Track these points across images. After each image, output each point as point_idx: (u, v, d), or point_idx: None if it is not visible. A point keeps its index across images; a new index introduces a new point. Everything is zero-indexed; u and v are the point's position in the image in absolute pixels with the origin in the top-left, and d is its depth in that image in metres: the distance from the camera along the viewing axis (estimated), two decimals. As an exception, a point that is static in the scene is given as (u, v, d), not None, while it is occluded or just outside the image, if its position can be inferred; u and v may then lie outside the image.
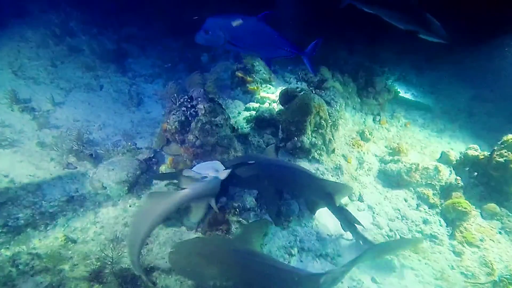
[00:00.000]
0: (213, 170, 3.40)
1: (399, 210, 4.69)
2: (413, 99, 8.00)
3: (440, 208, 4.75)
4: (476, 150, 5.34)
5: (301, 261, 3.55)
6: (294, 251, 3.59)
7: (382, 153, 5.92)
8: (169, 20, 7.52)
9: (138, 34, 7.30)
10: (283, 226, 3.75)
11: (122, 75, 6.19)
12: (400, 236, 4.25)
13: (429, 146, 6.34)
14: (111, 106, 5.31)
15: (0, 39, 5.68)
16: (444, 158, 5.50)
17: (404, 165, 5.11)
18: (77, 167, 3.99)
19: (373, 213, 4.57)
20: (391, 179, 5.15)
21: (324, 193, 3.68)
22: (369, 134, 6.13)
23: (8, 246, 2.93)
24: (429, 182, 4.98)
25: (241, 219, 3.51)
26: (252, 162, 3.62)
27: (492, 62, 7.89)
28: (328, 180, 4.45)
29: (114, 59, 6.37)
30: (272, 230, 3.66)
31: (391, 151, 5.89)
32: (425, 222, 4.52)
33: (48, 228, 3.23)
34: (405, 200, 4.89)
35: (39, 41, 5.88)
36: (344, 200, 4.65)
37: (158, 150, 4.25)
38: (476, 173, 5.03)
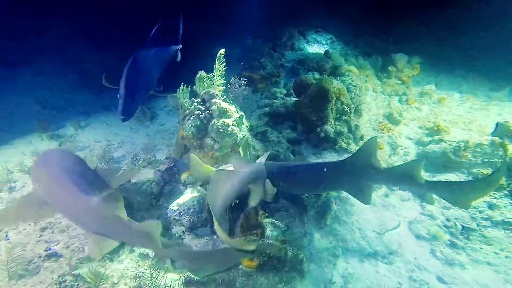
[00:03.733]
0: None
1: (452, 195, 4.24)
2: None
3: (508, 189, 4.04)
4: (546, 114, 4.49)
5: (347, 262, 3.31)
6: (338, 251, 3.34)
7: (417, 135, 5.50)
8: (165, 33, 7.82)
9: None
10: (319, 226, 3.56)
11: (132, 92, 6.48)
12: (462, 225, 3.73)
13: (475, 121, 5.69)
14: (127, 123, 5.53)
15: (25, 75, 6.24)
16: (500, 131, 4.74)
17: (449, 144, 4.61)
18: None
19: (421, 202, 4.15)
20: (436, 162, 4.65)
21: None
22: (398, 116, 5.77)
23: (52, 269, 3.06)
24: (486, 160, 4.37)
25: (274, 220, 3.38)
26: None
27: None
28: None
29: (122, 77, 6.71)
30: (308, 231, 3.48)
31: (427, 131, 5.49)
32: (492, 207, 3.93)
33: (85, 249, 3.33)
34: (458, 184, 4.42)
35: (58, 71, 6.37)
36: (383, 190, 4.36)
37: (177, 159, 4.29)
38: None
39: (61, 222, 3.56)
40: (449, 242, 3.59)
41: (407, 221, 3.88)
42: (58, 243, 3.27)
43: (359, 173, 3.09)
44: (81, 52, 7.10)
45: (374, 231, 3.61)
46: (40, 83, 6.22)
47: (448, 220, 3.84)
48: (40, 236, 3.36)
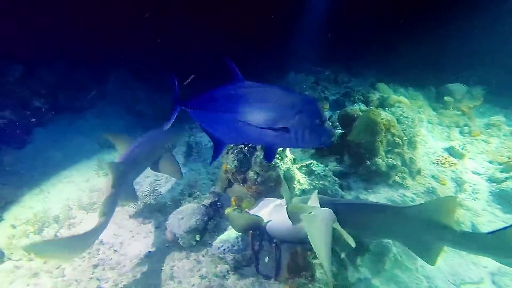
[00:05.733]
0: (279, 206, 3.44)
1: (545, 242, 3.72)
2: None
3: None
4: None
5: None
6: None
7: (488, 170, 5.15)
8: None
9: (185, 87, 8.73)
10: (377, 270, 3.34)
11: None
12: None
13: (562, 155, 5.24)
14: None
15: (88, 118, 7.61)
16: None
17: (532, 181, 4.29)
18: (151, 221, 4.51)
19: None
20: (516, 201, 4.28)
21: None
22: (461, 149, 5.50)
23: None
24: None
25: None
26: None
27: None
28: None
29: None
30: (361, 276, 3.28)
31: (501, 166, 5.09)
32: None
33: (132, 287, 3.57)
34: (550, 229, 3.89)
35: (116, 113, 7.55)
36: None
37: (221, 193, 4.54)
38: None
39: (111, 259, 3.94)
40: (550, 302, 3.07)
41: (488, 272, 3.44)
42: (107, 281, 3.58)
43: (427, 228, 2.66)
44: (136, 94, 8.37)
45: (447, 280, 3.25)
46: (100, 124, 7.44)
47: (543, 273, 3.32)
48: (93, 273, 3.72)
